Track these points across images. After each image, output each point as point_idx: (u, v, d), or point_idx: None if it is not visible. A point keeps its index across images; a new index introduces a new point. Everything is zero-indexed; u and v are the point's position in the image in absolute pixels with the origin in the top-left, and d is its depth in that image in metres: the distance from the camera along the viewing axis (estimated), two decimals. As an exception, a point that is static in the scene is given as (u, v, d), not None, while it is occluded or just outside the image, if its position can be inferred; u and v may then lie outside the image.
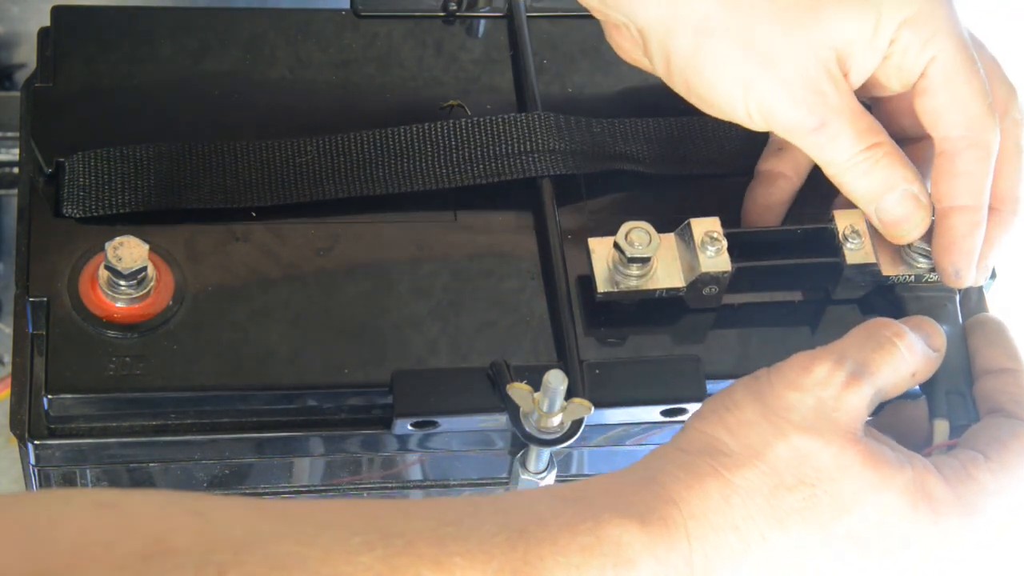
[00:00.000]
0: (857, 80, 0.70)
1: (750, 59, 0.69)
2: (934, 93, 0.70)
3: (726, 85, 0.70)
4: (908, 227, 0.71)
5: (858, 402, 0.63)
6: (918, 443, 0.70)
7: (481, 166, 0.75)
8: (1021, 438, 0.65)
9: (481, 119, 0.75)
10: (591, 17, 0.74)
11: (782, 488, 0.61)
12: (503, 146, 0.75)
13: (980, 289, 0.75)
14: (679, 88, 0.72)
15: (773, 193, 0.76)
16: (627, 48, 0.74)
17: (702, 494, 0.61)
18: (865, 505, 0.61)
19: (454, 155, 0.75)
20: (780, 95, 0.69)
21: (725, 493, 0.61)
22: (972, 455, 0.64)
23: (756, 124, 0.70)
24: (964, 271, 0.71)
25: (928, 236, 0.72)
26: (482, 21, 0.82)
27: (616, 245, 0.71)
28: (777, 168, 0.76)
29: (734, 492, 0.61)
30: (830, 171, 0.70)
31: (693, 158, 0.78)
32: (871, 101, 0.75)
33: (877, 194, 0.70)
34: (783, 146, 0.75)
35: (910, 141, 0.75)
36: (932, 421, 0.69)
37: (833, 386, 0.63)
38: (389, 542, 0.56)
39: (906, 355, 0.66)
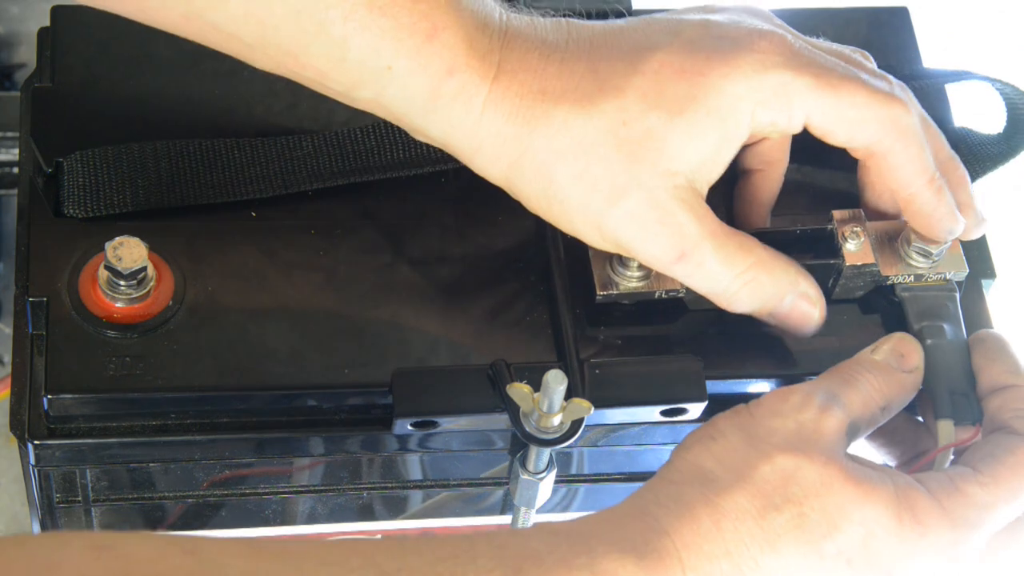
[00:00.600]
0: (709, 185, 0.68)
1: (596, 199, 0.67)
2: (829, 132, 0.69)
3: (580, 226, 0.68)
4: (804, 327, 0.70)
5: (836, 426, 0.65)
6: (907, 453, 0.71)
7: None
8: (1017, 452, 0.65)
9: None
10: (590, 16, 0.73)
11: (771, 508, 0.62)
12: None
13: (980, 289, 0.75)
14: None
15: (751, 190, 0.75)
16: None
17: (693, 523, 0.61)
18: (852, 521, 0.62)
19: None
20: (633, 230, 0.67)
21: (716, 519, 0.62)
22: (961, 469, 0.65)
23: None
24: (956, 228, 0.71)
25: (927, 236, 0.72)
26: (482, 21, 0.81)
27: (616, 245, 0.71)
28: (745, 164, 0.74)
29: (724, 517, 0.62)
30: (712, 298, 0.69)
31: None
32: None
33: (767, 308, 0.69)
34: (747, 143, 0.73)
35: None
36: (936, 421, 0.69)
37: (810, 410, 0.65)
38: None
39: (872, 392, 0.67)
